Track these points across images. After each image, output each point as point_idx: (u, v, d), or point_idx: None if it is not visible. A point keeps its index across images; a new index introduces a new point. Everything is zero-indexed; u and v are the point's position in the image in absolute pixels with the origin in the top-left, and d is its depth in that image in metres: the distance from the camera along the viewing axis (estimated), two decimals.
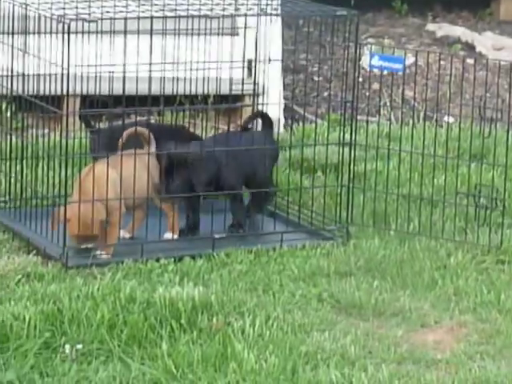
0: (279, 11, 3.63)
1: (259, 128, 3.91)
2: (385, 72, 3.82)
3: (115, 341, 2.66)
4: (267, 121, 3.76)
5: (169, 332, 2.73)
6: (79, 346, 2.60)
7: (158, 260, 3.21)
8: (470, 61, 4.69)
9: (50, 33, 3.22)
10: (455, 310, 3.10)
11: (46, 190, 3.59)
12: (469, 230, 3.62)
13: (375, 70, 3.78)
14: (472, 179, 3.74)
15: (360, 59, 3.62)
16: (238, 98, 4.22)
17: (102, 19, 3.17)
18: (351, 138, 3.63)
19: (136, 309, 2.76)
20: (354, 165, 3.65)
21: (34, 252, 3.31)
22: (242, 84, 3.91)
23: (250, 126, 3.79)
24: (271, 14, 3.47)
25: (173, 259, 3.24)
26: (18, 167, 3.65)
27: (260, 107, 3.98)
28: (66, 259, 3.13)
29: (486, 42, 5.27)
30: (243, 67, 3.75)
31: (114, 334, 2.69)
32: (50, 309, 2.74)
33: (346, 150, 3.64)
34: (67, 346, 2.60)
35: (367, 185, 3.84)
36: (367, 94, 4.71)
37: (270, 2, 3.56)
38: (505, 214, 3.64)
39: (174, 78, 3.58)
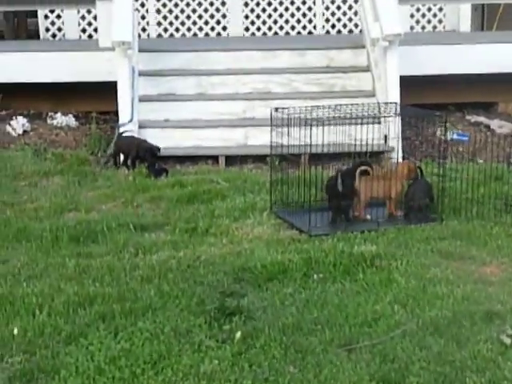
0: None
1: None
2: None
3: (337, 272, 5.05)
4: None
5: (362, 268, 5.09)
6: (321, 275, 5.09)
7: (352, 232, 5.86)
8: (489, 133, 8.62)
9: None
10: (498, 256, 5.37)
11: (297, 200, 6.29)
12: (500, 216, 6.15)
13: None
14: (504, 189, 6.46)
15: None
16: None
17: None
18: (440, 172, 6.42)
19: (345, 256, 5.22)
20: (443, 184, 6.34)
21: (295, 229, 5.99)
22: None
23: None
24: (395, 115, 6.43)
25: (359, 231, 5.86)
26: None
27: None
28: (310, 233, 5.84)
29: (495, 123, 8.91)
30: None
31: (336, 269, 5.09)
32: (305, 256, 5.27)
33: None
34: (315, 275, 5.09)
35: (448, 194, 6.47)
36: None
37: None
38: None
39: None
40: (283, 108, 6.35)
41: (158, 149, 7.52)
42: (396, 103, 6.96)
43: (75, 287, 4.78)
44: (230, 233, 5.90)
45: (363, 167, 6.20)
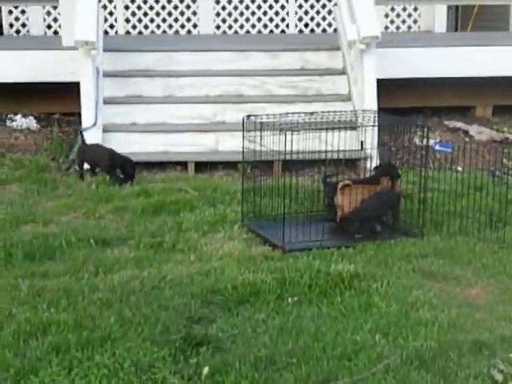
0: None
1: None
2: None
3: (313, 294, 4.68)
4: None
5: (339, 290, 4.71)
6: (295, 298, 4.66)
7: (328, 248, 5.48)
8: (467, 139, 8.39)
9: None
10: (483, 277, 5.04)
11: (270, 211, 5.96)
12: (484, 231, 5.80)
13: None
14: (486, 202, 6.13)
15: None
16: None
17: None
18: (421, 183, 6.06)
19: (322, 276, 4.83)
20: (424, 195, 5.94)
21: (268, 244, 5.60)
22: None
23: None
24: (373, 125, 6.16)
25: (336, 248, 5.46)
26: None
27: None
28: (284, 248, 5.47)
29: (474, 129, 8.66)
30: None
31: (312, 290, 4.70)
32: (279, 277, 4.85)
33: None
34: (289, 298, 4.66)
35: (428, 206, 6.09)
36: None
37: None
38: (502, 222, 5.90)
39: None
40: (255, 115, 5.97)
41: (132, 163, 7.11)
42: (374, 111, 6.63)
43: (28, 313, 4.36)
44: (199, 248, 5.53)
45: (346, 181, 5.90)
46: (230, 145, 7.58)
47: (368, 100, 7.79)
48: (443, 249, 5.57)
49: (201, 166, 7.63)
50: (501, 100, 9.46)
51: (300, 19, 11.68)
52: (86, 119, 7.49)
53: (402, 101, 9.00)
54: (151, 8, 11.39)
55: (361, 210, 5.82)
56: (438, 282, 5.04)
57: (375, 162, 7.55)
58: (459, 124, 8.88)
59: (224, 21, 11.46)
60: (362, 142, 7.57)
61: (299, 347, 4.07)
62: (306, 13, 11.67)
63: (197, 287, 4.80)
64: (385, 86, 7.98)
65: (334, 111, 6.33)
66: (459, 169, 7.72)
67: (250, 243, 5.64)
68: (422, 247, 5.59)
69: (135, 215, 6.21)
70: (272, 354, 4.01)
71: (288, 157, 5.67)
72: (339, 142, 6.05)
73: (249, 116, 5.99)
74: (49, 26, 11.24)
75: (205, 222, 6.02)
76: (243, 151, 6.05)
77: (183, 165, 7.64)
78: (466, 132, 8.72)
